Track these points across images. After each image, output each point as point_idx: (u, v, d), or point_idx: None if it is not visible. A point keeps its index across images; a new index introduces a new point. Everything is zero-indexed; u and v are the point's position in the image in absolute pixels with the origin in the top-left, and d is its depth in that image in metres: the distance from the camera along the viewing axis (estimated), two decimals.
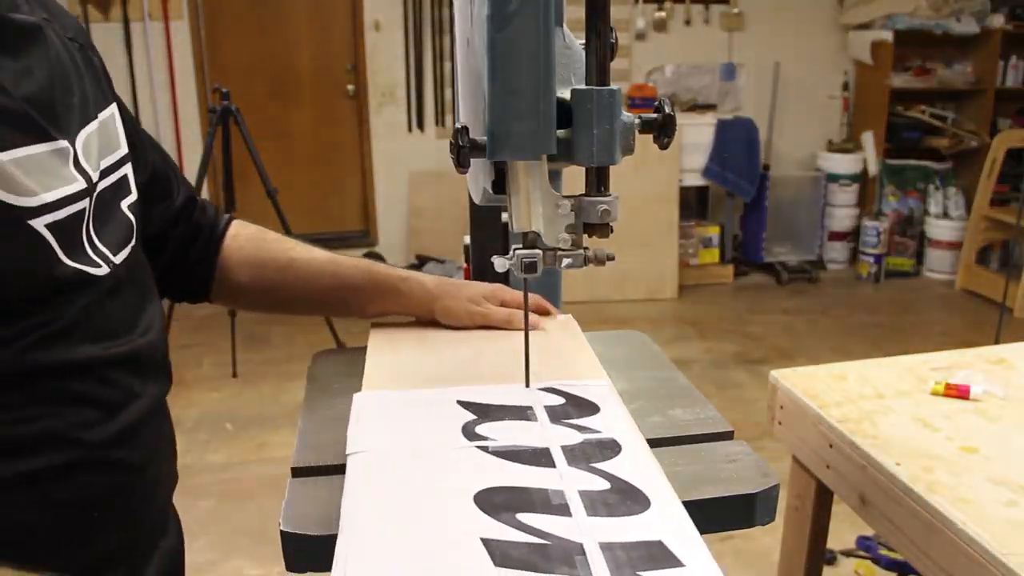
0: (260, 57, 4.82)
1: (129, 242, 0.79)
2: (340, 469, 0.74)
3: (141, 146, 0.88)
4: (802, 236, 5.34)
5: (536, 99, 0.66)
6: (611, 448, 0.70)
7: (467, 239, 1.17)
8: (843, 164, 5.28)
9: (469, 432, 0.74)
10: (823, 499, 1.31)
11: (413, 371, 0.88)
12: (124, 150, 0.81)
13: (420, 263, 4.92)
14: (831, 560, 2.25)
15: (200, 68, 4.71)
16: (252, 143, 3.39)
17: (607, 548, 0.56)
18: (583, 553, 0.56)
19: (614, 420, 0.76)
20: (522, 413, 0.77)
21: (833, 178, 5.28)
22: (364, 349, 1.01)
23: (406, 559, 0.56)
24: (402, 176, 5.04)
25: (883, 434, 1.11)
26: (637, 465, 0.67)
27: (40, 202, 0.67)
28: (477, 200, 0.85)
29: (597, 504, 0.62)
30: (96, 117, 0.77)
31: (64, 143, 0.71)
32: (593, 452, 0.69)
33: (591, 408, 0.78)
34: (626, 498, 0.62)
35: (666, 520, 0.60)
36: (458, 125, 0.70)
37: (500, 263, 0.75)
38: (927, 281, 5.18)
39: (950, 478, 0.99)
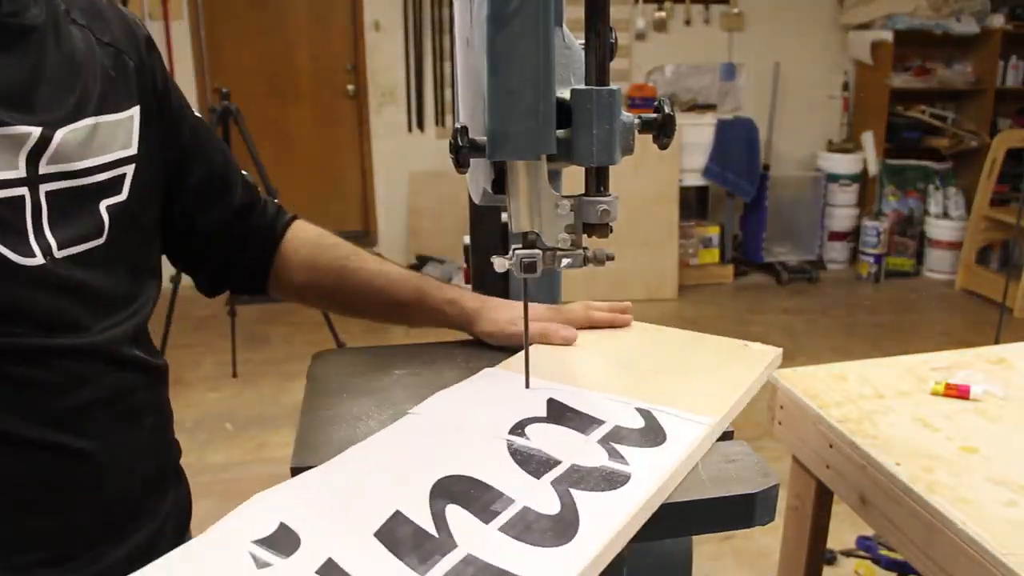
0: (260, 57, 4.83)
1: (91, 240, 0.79)
2: None
3: (199, 148, 0.93)
4: (802, 236, 5.34)
5: (536, 99, 0.66)
6: (612, 482, 0.66)
7: (467, 239, 1.17)
8: (843, 164, 5.28)
9: (518, 427, 0.74)
10: (823, 499, 1.31)
11: (556, 365, 0.90)
12: (129, 152, 0.83)
13: (420, 263, 4.92)
14: (831, 560, 2.25)
15: (200, 68, 4.72)
16: (252, 143, 3.39)
17: (466, 563, 0.56)
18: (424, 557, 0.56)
19: (659, 460, 0.70)
20: (586, 424, 0.76)
21: (833, 178, 5.29)
22: (364, 349, 1.01)
23: (314, 494, 0.64)
24: (402, 176, 5.04)
25: (883, 434, 1.11)
26: (610, 509, 0.63)
27: None
28: (477, 200, 0.85)
29: (521, 527, 0.59)
30: (94, 116, 0.79)
31: (26, 129, 0.73)
32: (591, 480, 0.66)
33: (656, 439, 0.74)
34: (555, 532, 0.59)
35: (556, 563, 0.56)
36: (458, 125, 0.70)
37: (500, 263, 0.75)
38: (927, 281, 5.18)
39: (950, 478, 0.99)
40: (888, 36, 5.02)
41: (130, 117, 0.83)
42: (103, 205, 0.81)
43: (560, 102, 0.68)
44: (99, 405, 0.79)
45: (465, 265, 1.18)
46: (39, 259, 0.74)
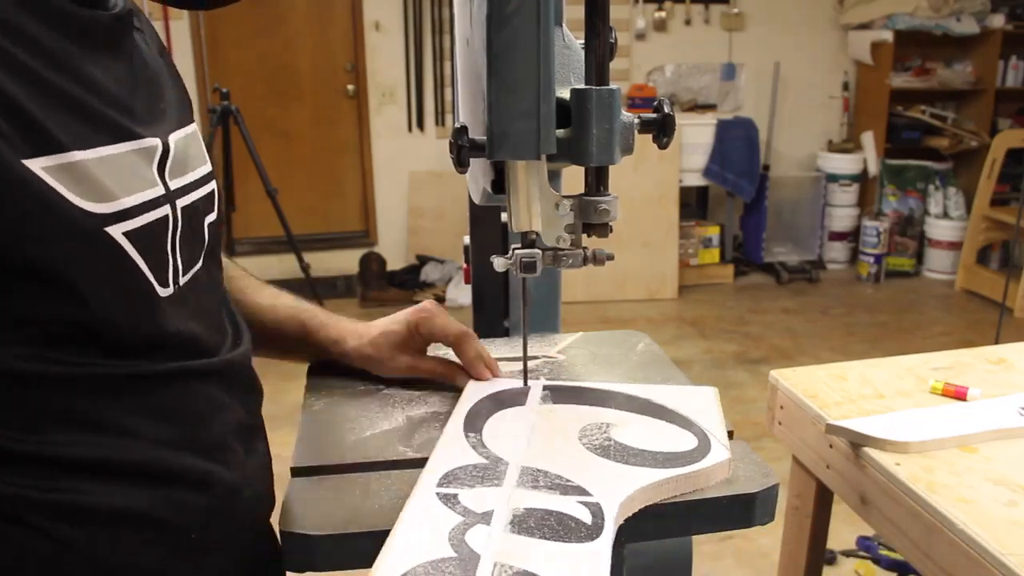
0: (260, 57, 4.82)
1: (196, 263, 0.73)
2: (340, 469, 0.74)
3: None
4: (802, 236, 5.34)
5: (535, 99, 0.66)
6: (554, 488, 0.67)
7: (467, 239, 1.17)
8: (843, 164, 5.28)
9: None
10: (823, 499, 1.31)
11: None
12: (209, 166, 0.77)
13: (420, 263, 4.92)
14: (831, 560, 2.25)
15: (200, 68, 4.71)
16: (252, 143, 3.39)
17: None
18: None
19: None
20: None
21: (833, 178, 5.28)
22: None
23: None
24: (402, 176, 5.04)
25: None
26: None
27: (118, 207, 0.61)
28: (477, 200, 0.85)
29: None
30: (185, 126, 0.74)
31: (153, 141, 0.66)
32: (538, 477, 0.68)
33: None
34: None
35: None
36: (458, 125, 0.70)
37: (500, 263, 0.75)
38: (927, 281, 5.18)
39: (950, 478, 0.99)
40: (888, 36, 5.02)
41: (195, 130, 0.77)
42: (206, 222, 0.75)
43: (560, 102, 0.68)
44: (230, 435, 0.72)
45: (465, 265, 1.18)
46: (169, 289, 0.67)
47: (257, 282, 0.96)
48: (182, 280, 0.69)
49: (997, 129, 5.17)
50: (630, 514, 0.66)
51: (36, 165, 0.55)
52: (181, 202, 0.69)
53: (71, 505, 0.60)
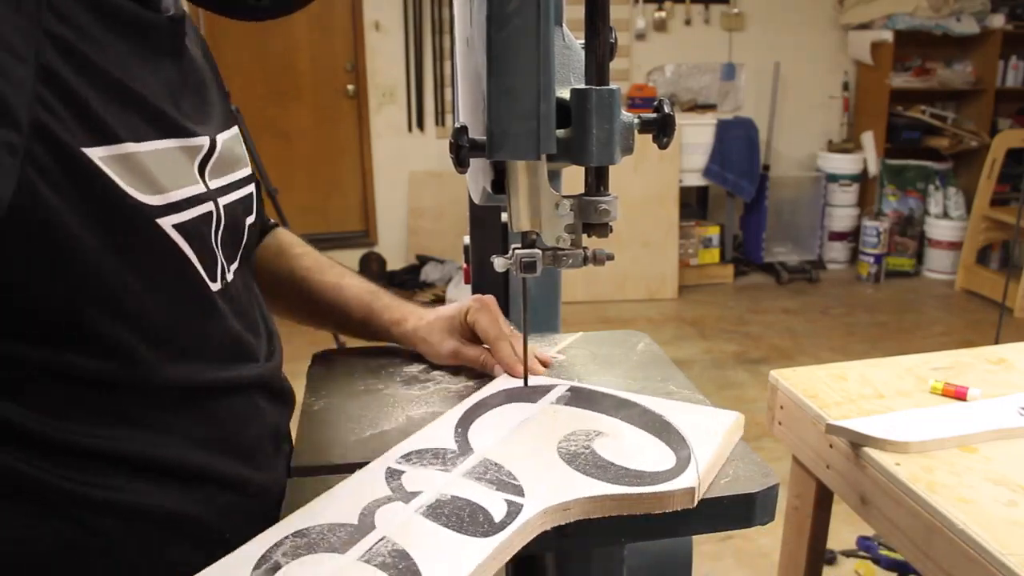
0: (260, 57, 4.82)
1: (235, 262, 0.76)
2: (340, 469, 0.74)
3: None
4: (802, 236, 5.33)
5: (535, 99, 0.66)
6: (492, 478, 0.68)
7: (467, 239, 1.17)
8: (843, 164, 5.28)
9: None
10: (823, 499, 1.31)
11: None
12: (249, 170, 0.81)
13: (420, 263, 4.92)
14: (831, 560, 2.25)
15: None
16: (252, 143, 3.39)
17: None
18: None
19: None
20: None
21: (833, 178, 5.28)
22: (364, 349, 1.01)
23: None
24: (402, 176, 5.04)
25: None
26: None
27: (166, 200, 0.64)
28: (477, 200, 0.85)
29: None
30: (230, 127, 0.77)
31: (201, 140, 0.69)
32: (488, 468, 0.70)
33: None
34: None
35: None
36: (458, 125, 0.70)
37: (500, 263, 0.75)
38: (927, 281, 5.18)
39: (950, 478, 0.99)
40: (888, 36, 5.02)
41: (236, 133, 0.80)
42: (247, 222, 0.78)
43: (560, 102, 0.68)
44: (264, 438, 0.76)
45: (465, 265, 1.18)
46: (218, 284, 0.70)
47: (326, 261, 1.00)
48: (229, 276, 0.72)
49: (997, 129, 5.17)
50: (563, 523, 0.64)
51: (95, 154, 0.58)
52: (222, 200, 0.72)
53: (105, 499, 0.62)
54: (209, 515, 0.67)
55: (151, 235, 0.62)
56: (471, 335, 0.93)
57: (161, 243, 0.63)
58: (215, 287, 0.69)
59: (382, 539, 0.60)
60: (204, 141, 0.70)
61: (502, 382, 0.88)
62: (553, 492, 0.65)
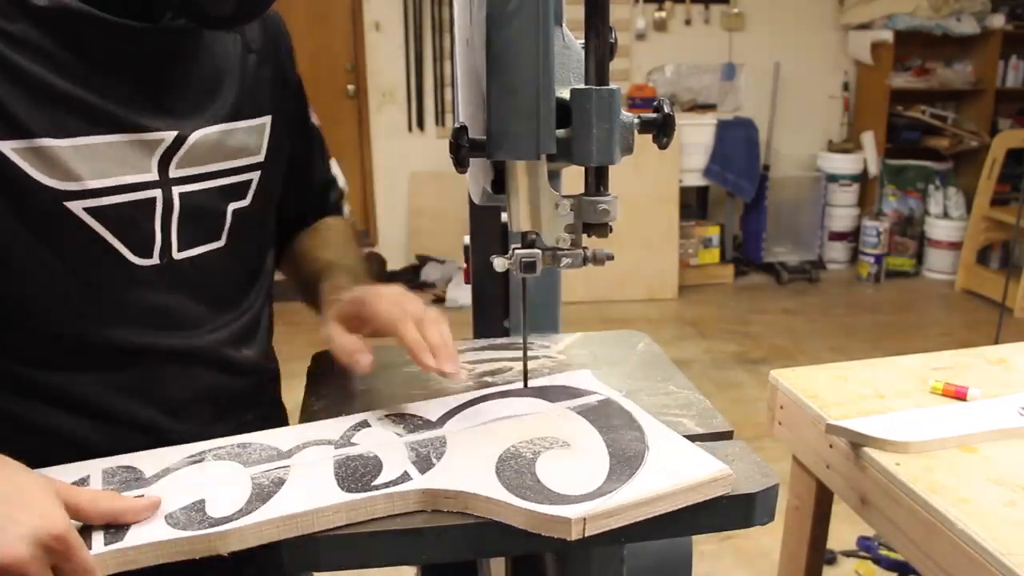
0: None
1: (211, 243, 0.84)
2: None
3: (300, 167, 1.00)
4: (802, 236, 5.33)
5: (535, 99, 0.66)
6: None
7: (467, 239, 1.17)
8: (843, 164, 5.27)
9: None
10: (823, 499, 1.31)
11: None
12: (256, 159, 0.87)
13: (420, 263, 4.92)
14: (831, 560, 2.25)
15: None
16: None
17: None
18: None
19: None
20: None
21: (833, 178, 5.28)
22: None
23: None
24: (402, 176, 5.04)
25: None
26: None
27: (82, 187, 0.73)
28: (477, 200, 0.85)
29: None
30: (229, 121, 0.83)
31: (161, 135, 0.77)
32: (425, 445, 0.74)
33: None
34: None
35: None
36: (458, 125, 0.70)
37: (500, 263, 0.75)
38: (927, 281, 5.18)
39: (950, 478, 0.99)
40: (888, 36, 5.01)
41: (263, 125, 0.88)
42: (230, 209, 0.85)
43: (560, 102, 0.68)
44: (202, 400, 0.85)
45: (465, 265, 1.18)
46: (154, 260, 0.79)
47: (330, 239, 1.04)
48: (177, 255, 0.80)
49: (997, 129, 5.17)
50: (444, 509, 0.65)
51: (6, 146, 0.70)
52: (181, 188, 0.80)
53: (23, 416, 0.77)
54: (119, 450, 0.74)
55: (61, 216, 0.73)
56: (359, 327, 0.84)
57: (71, 223, 0.73)
58: (145, 262, 0.78)
59: (283, 467, 0.70)
60: (167, 136, 0.77)
61: (563, 378, 0.88)
62: (449, 478, 0.67)
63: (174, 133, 0.78)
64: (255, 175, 0.88)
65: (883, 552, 2.02)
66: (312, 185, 1.06)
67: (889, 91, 5.11)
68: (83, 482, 0.69)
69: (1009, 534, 0.87)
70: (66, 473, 0.69)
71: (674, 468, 0.68)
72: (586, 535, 0.61)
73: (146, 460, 0.72)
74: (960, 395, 1.20)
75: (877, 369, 1.32)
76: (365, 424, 0.78)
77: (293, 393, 0.98)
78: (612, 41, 0.68)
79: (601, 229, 0.72)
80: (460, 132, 0.68)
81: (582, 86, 0.68)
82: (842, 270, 5.38)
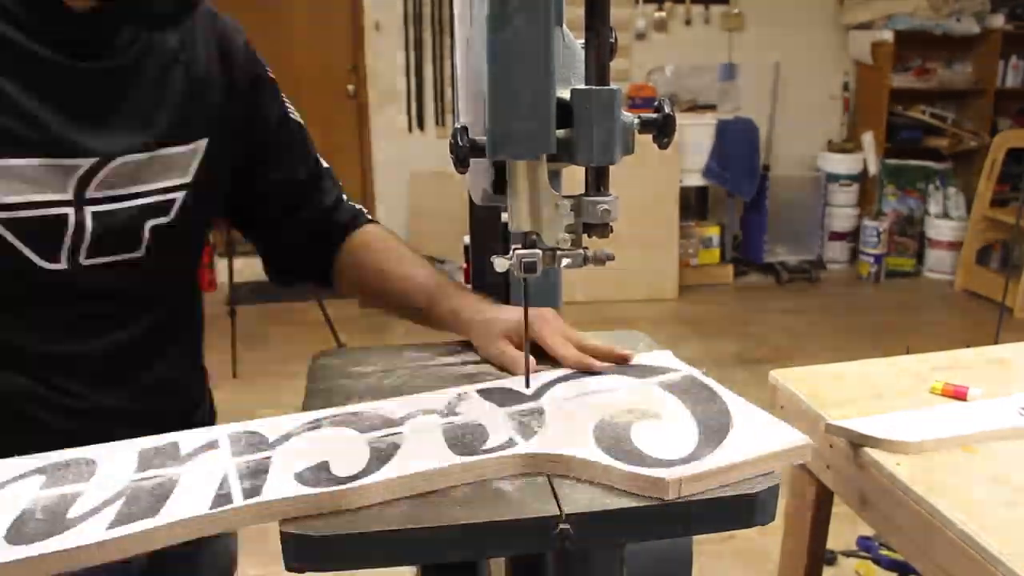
0: None
1: (126, 253, 0.88)
2: None
3: (276, 162, 1.07)
4: (802, 236, 5.34)
5: (536, 99, 0.66)
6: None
7: (467, 239, 1.17)
8: (843, 164, 5.28)
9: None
10: (823, 499, 1.31)
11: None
12: (183, 180, 0.91)
13: None
14: (831, 560, 2.25)
15: None
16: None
17: None
18: None
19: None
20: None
21: (833, 178, 5.29)
22: (364, 349, 1.01)
23: None
24: (402, 176, 5.04)
25: None
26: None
27: None
28: (477, 200, 0.85)
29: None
30: (155, 149, 0.87)
31: (80, 161, 0.82)
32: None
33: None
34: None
35: None
36: (458, 125, 0.70)
37: (500, 263, 0.75)
38: (927, 281, 5.18)
39: (950, 478, 0.99)
40: (888, 36, 5.02)
41: (193, 150, 0.91)
42: (148, 224, 0.89)
43: (560, 102, 0.68)
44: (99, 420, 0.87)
45: (465, 265, 1.18)
46: (62, 264, 0.84)
47: (406, 254, 1.11)
48: (85, 262, 0.85)
49: (997, 129, 5.17)
50: (550, 473, 0.69)
51: None
52: (95, 208, 0.84)
53: None
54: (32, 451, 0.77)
55: None
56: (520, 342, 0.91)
57: None
58: (52, 266, 0.83)
59: (396, 433, 0.74)
60: (86, 162, 0.82)
61: (647, 358, 0.96)
62: (552, 443, 0.70)
63: (91, 161, 0.83)
64: (179, 195, 0.91)
65: (883, 552, 2.02)
66: (299, 179, 1.11)
67: (889, 91, 5.11)
68: (212, 445, 0.73)
69: (1009, 534, 0.87)
70: (196, 436, 0.74)
71: (759, 437, 0.73)
72: (681, 495, 0.66)
73: (267, 426, 0.78)
74: (960, 395, 1.20)
75: (877, 369, 1.32)
76: (465, 396, 0.82)
77: (293, 393, 0.98)
78: (612, 41, 0.68)
79: (601, 229, 0.72)
80: (460, 132, 0.68)
81: (582, 86, 0.68)
82: (842, 270, 5.39)
